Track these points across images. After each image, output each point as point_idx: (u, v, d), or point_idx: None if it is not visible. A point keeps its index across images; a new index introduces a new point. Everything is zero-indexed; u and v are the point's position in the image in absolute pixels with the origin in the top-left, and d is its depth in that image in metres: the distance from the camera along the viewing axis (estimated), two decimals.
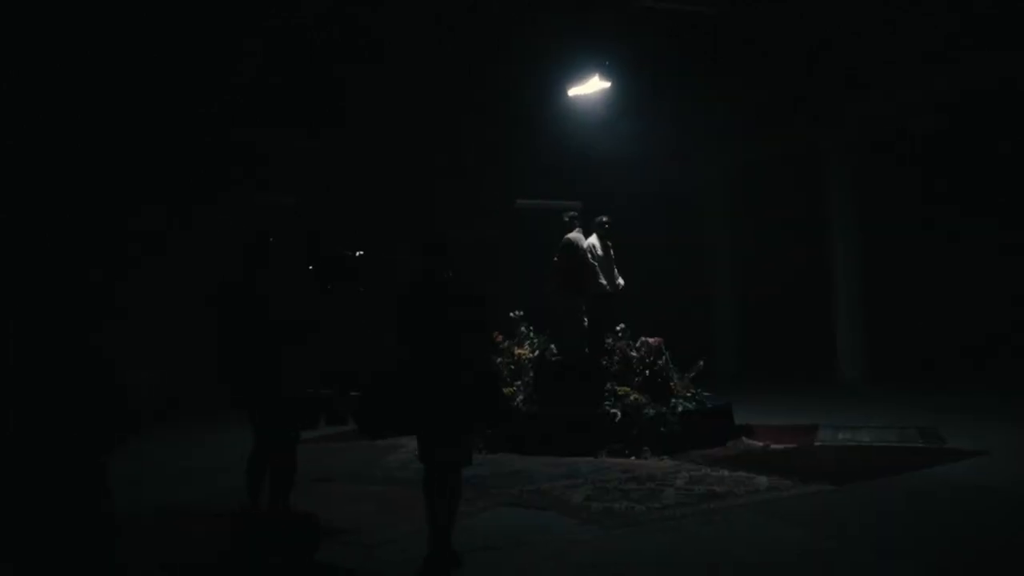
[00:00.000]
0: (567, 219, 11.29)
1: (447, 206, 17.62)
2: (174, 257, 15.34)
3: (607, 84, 13.36)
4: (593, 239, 11.46)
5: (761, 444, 10.48)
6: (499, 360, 11.23)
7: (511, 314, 11.65)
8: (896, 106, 15.45)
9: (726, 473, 8.71)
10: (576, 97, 13.92)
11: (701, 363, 11.20)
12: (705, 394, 11.03)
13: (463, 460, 5.69)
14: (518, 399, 10.72)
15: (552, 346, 11.34)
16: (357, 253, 7.19)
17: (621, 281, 11.54)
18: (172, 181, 14.21)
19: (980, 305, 14.93)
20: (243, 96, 13.62)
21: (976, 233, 15.09)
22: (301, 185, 16.96)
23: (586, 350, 11.09)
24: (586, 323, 11.11)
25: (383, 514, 7.50)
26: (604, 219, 11.64)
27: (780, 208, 18.66)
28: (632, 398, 10.27)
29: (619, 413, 10.06)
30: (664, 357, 10.84)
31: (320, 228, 16.86)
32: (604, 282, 11.16)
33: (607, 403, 10.31)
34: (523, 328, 11.52)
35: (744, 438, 10.79)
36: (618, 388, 10.49)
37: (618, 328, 11.25)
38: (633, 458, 9.66)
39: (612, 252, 11.55)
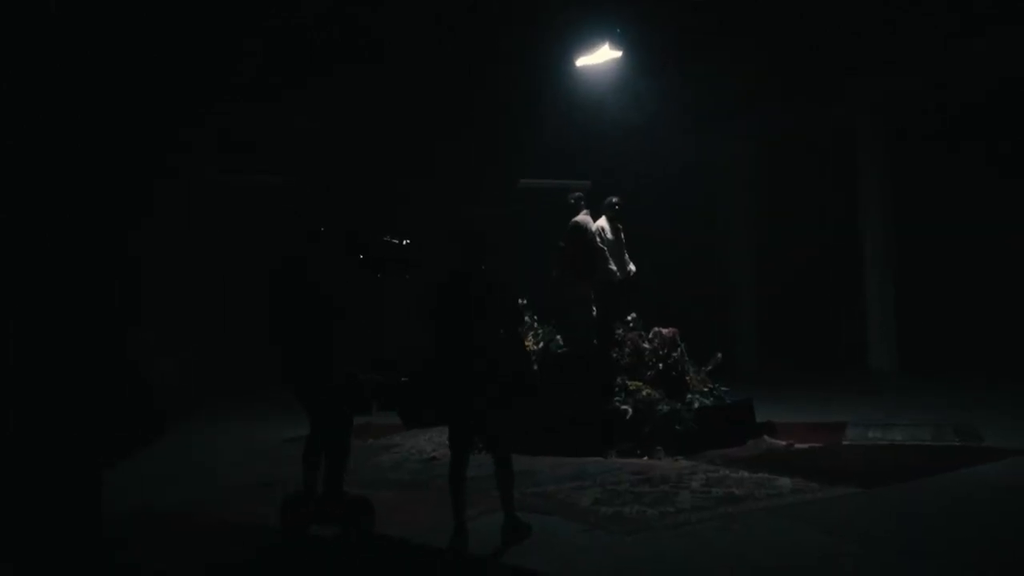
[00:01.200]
0: (573, 200, 11.49)
1: (446, 187, 17.91)
2: (173, 242, 15.79)
3: (618, 54, 13.40)
4: (602, 222, 11.59)
5: (784, 443, 10.62)
6: None
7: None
8: (935, 83, 15.34)
9: (746, 474, 8.85)
10: (584, 68, 14.01)
11: (719, 355, 11.41)
12: (723, 389, 11.24)
13: (507, 440, 6.47)
14: None
15: (558, 337, 11.61)
16: (404, 241, 7.52)
17: (632, 267, 11.64)
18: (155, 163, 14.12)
19: (1021, 294, 15.09)
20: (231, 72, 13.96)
21: (1020, 219, 15.27)
22: (292, 165, 17.32)
23: (595, 341, 11.31)
24: (595, 312, 11.35)
25: (379, 518, 7.40)
26: (614, 200, 11.72)
27: (806, 189, 18.74)
28: (644, 393, 10.47)
29: (630, 410, 10.26)
30: (679, 349, 11.02)
31: (312, 209, 16.97)
32: (614, 268, 11.28)
33: (617, 399, 10.48)
34: (527, 318, 11.64)
35: (766, 437, 10.94)
36: (629, 383, 10.71)
37: (629, 318, 11.51)
38: (645, 458, 9.84)
39: (623, 236, 11.67)
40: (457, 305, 6.33)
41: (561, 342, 11.52)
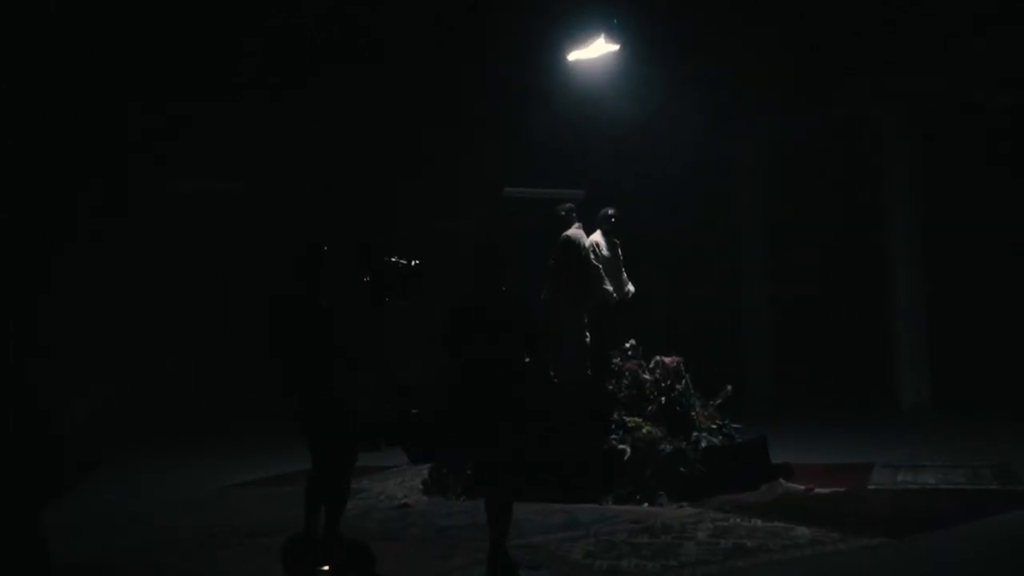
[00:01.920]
0: (564, 212, 11.34)
1: (422, 196, 17.86)
2: (105, 258, 15.74)
3: (615, 47, 13.29)
4: (597, 236, 11.51)
5: (803, 488, 10.45)
6: None
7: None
8: (966, 77, 15.28)
9: (759, 523, 8.72)
10: (577, 63, 13.92)
11: (729, 388, 11.22)
12: (734, 426, 11.02)
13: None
14: None
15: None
16: (412, 262, 7.54)
17: (631, 288, 11.72)
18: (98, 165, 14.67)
19: None
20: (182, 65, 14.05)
21: None
22: (251, 169, 17.38)
23: (588, 371, 11.24)
24: (588, 339, 11.26)
25: None
26: (610, 211, 11.65)
27: (826, 197, 18.46)
28: (645, 431, 10.29)
29: (629, 449, 10.10)
30: (684, 380, 10.83)
31: (275, 218, 17.71)
32: (610, 288, 11.29)
33: (614, 437, 10.34)
34: None
35: (782, 480, 10.73)
36: (628, 419, 10.57)
37: (627, 345, 11.33)
38: (646, 505, 9.67)
39: (620, 252, 11.70)
40: (475, 330, 6.34)
41: (551, 372, 11.32)
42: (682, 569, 7.26)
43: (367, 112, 16.79)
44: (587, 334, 11.20)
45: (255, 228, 17.21)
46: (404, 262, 7.73)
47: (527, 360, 6.52)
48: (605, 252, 11.51)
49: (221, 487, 12.31)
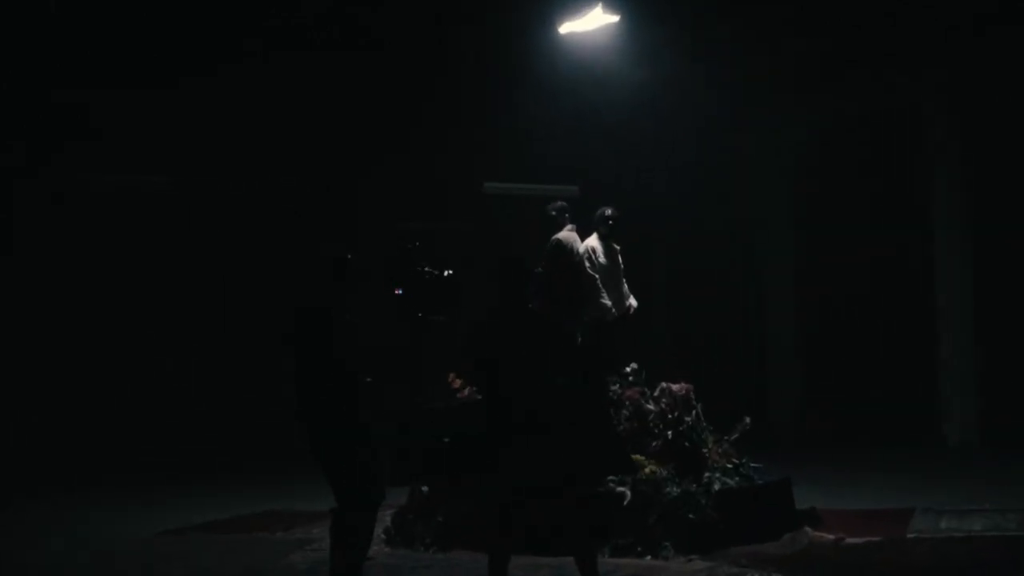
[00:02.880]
0: (554, 212, 11.23)
1: (387, 192, 18.09)
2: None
3: (614, 18, 13.33)
4: (593, 241, 11.43)
5: (832, 537, 10.12)
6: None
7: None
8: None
9: None
10: (570, 36, 13.95)
11: (748, 420, 10.72)
12: (753, 465, 10.56)
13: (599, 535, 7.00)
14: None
15: None
16: (446, 272, 7.96)
17: (633, 301, 11.76)
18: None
19: None
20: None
21: None
22: (178, 162, 17.57)
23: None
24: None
25: None
26: (609, 212, 11.53)
27: (859, 196, 18.30)
28: (648, 471, 9.93)
29: (629, 492, 9.71)
30: (694, 411, 10.50)
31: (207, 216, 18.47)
32: (608, 302, 11.22)
33: (612, 478, 10.03)
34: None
35: (808, 528, 10.28)
36: (631, 457, 10.35)
37: (628, 369, 11.12)
38: (649, 558, 9.32)
39: (621, 259, 11.69)
40: (504, 350, 6.31)
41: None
42: None
43: (321, 93, 16.86)
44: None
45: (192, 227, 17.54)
46: (437, 272, 8.05)
47: (562, 384, 6.53)
48: (603, 259, 11.39)
49: (144, 536, 11.92)
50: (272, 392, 18.48)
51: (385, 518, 11.01)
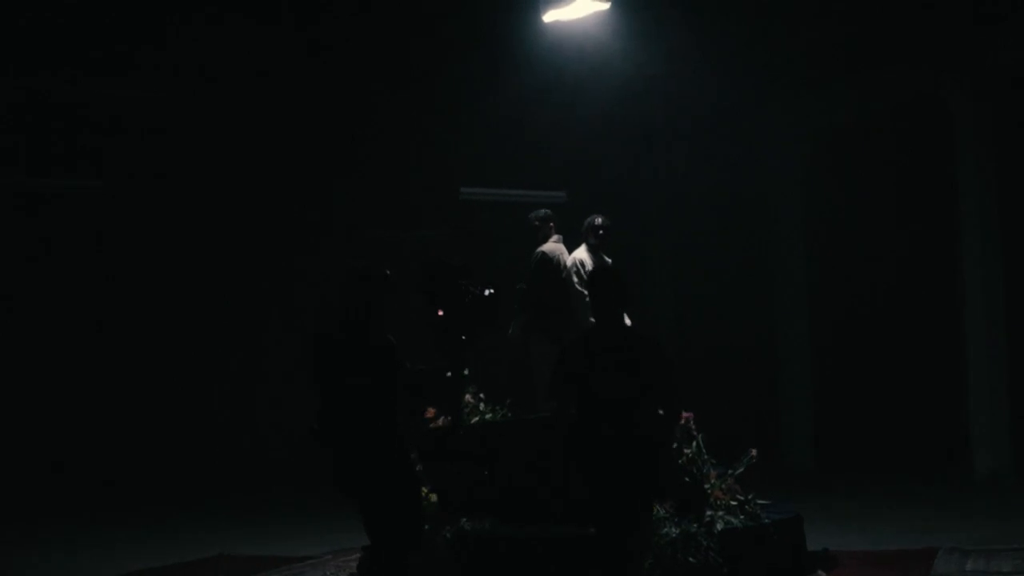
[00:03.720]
0: (538, 222, 11.57)
1: (356, 200, 18.13)
2: None
3: (604, 5, 13.22)
4: (582, 252, 11.53)
5: None
6: None
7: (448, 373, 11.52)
8: None
9: None
10: (555, 25, 13.86)
11: (754, 452, 10.33)
12: (760, 502, 10.21)
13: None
14: (476, 517, 10.64)
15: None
16: (487, 291, 7.99)
17: (627, 320, 10.94)
18: None
19: None
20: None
21: None
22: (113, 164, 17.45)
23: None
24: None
25: None
26: (598, 221, 11.59)
27: (879, 199, 18.17)
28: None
29: None
30: (695, 442, 10.24)
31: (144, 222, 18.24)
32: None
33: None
34: (468, 396, 11.46)
35: (821, 572, 10.20)
36: None
37: None
38: None
39: None
40: (593, 373, 6.26)
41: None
42: None
43: (276, 82, 16.82)
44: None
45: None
46: (478, 291, 7.97)
47: (662, 414, 6.47)
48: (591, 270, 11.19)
49: None
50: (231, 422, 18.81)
51: (350, 565, 11.41)
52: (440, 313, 8.92)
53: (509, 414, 11.46)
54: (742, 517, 9.99)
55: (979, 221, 16.20)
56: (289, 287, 19.24)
